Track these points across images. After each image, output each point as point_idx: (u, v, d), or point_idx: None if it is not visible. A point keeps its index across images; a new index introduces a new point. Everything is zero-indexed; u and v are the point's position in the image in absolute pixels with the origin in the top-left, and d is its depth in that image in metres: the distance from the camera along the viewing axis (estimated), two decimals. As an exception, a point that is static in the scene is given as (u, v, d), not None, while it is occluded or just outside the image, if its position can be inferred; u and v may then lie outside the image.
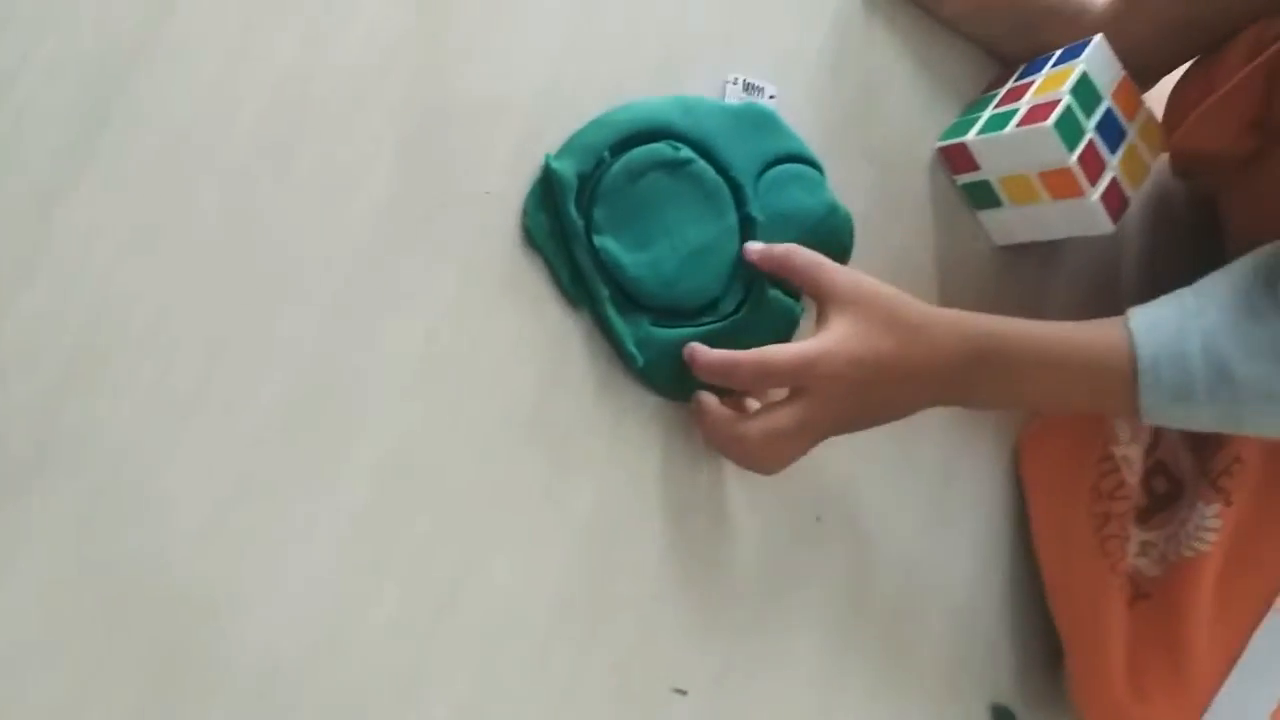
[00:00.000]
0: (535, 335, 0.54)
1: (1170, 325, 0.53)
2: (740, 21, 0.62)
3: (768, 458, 0.54)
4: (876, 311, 0.53)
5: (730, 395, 0.57)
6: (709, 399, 0.55)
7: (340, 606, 0.48)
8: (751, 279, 0.58)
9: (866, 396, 0.53)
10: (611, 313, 0.55)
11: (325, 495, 0.48)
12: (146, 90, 0.46)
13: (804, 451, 0.54)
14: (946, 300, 0.67)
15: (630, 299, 0.56)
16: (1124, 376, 0.53)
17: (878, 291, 0.54)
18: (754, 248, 0.57)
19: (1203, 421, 0.53)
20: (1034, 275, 0.71)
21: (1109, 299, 0.73)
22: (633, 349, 0.55)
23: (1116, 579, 0.66)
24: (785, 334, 0.59)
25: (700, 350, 0.55)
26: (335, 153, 0.50)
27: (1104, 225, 0.62)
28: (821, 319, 0.54)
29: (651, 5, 0.59)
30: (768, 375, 0.53)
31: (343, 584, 0.48)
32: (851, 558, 0.62)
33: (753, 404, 0.57)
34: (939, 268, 0.68)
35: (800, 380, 0.52)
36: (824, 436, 0.54)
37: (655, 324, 0.56)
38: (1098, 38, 0.63)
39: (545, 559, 0.53)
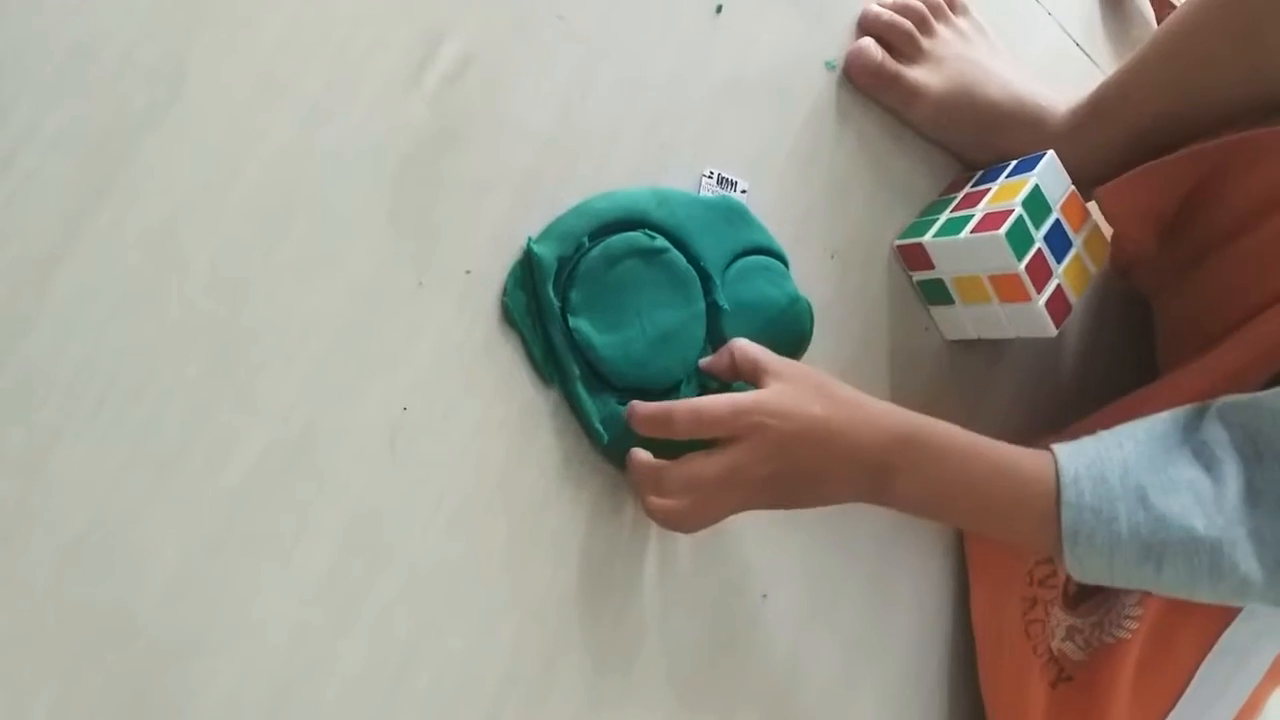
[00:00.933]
0: (506, 410, 0.56)
1: (1090, 452, 0.54)
2: (718, 120, 0.65)
3: (689, 510, 0.54)
4: (809, 381, 0.55)
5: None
6: (641, 451, 0.56)
7: (302, 662, 0.49)
8: (714, 366, 0.61)
9: (793, 460, 0.53)
10: (581, 390, 0.57)
11: (294, 554, 0.49)
12: (149, 162, 0.47)
13: (724, 510, 0.55)
14: (898, 387, 0.71)
15: (600, 378, 0.58)
16: (1047, 492, 0.53)
17: (812, 370, 0.57)
18: (703, 361, 0.60)
19: (1124, 558, 0.52)
20: (981, 369, 0.74)
21: (1051, 395, 0.77)
22: (599, 426, 0.57)
23: (1038, 660, 0.68)
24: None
25: (638, 404, 0.56)
26: (324, 227, 0.52)
27: (1048, 329, 0.66)
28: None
29: (635, 100, 0.62)
30: (701, 421, 0.54)
31: (305, 641, 0.49)
32: (794, 635, 0.65)
33: None
34: (893, 357, 0.71)
35: (732, 427, 0.53)
36: (747, 500, 0.55)
37: (621, 403, 0.58)
38: (1050, 154, 0.67)
39: (499, 630, 0.55)
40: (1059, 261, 0.66)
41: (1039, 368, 0.77)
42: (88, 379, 0.46)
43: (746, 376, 0.58)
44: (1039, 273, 0.65)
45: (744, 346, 0.58)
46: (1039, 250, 0.65)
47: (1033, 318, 0.66)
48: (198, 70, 0.49)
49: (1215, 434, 0.54)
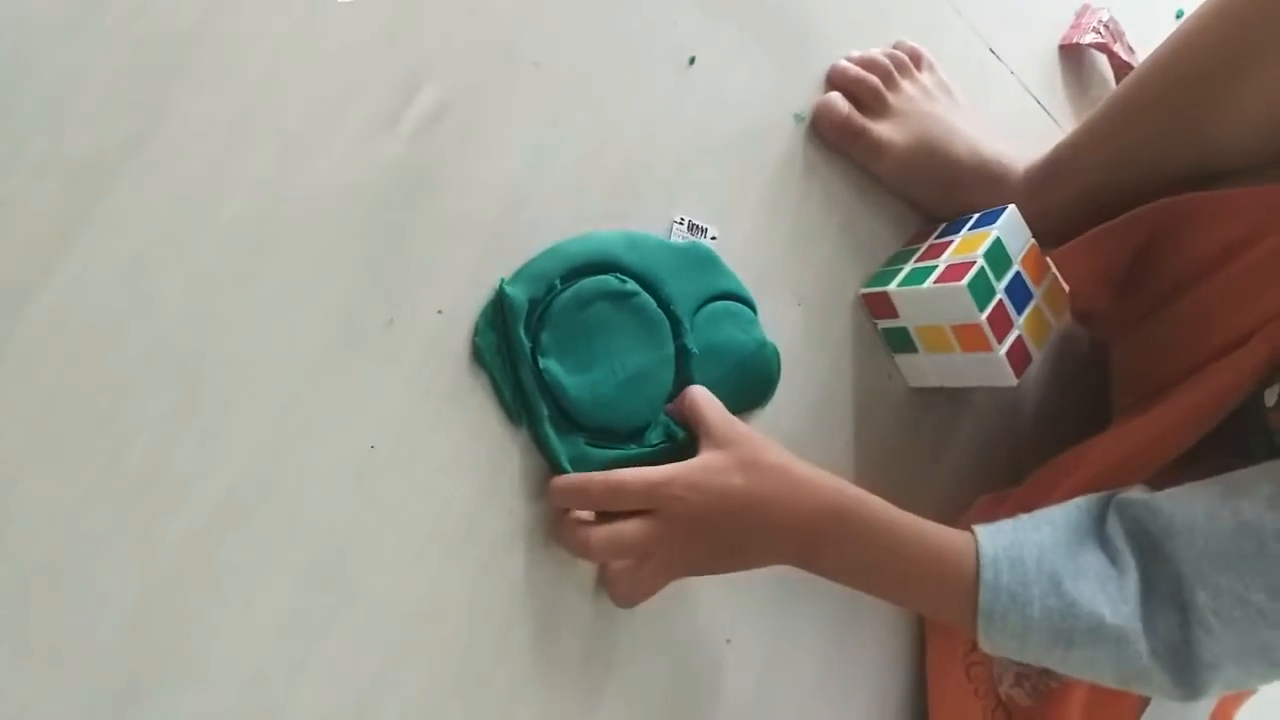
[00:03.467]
0: (474, 449, 0.56)
1: (1009, 534, 0.56)
2: (689, 168, 0.66)
3: (616, 578, 0.56)
4: (736, 451, 0.56)
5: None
6: (568, 518, 0.57)
7: (261, 702, 0.49)
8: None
9: (711, 531, 0.54)
10: (549, 430, 0.58)
11: (255, 592, 0.49)
12: (126, 195, 0.48)
13: (651, 578, 0.56)
14: (861, 432, 0.72)
15: (568, 418, 0.58)
16: (967, 572, 0.54)
17: (747, 436, 0.57)
18: (668, 406, 0.61)
19: (1035, 640, 0.53)
20: (943, 416, 0.76)
21: (1011, 443, 0.79)
22: (567, 466, 0.57)
23: (979, 702, 0.69)
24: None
25: (556, 479, 0.57)
26: (298, 262, 0.52)
27: (1008, 379, 0.67)
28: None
29: (609, 147, 0.63)
30: (618, 494, 0.54)
31: (265, 680, 0.49)
32: (756, 680, 0.65)
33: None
34: (857, 403, 0.72)
35: (648, 500, 0.54)
36: (670, 567, 0.56)
37: (590, 443, 0.59)
38: (1011, 208, 0.69)
39: (462, 671, 0.54)
40: (1019, 313, 0.67)
41: (1000, 417, 0.78)
42: (54, 410, 0.45)
43: (690, 425, 0.59)
44: (1000, 323, 0.66)
45: (693, 401, 0.59)
46: (1000, 301, 0.66)
47: (994, 367, 0.67)
48: (178, 105, 0.50)
49: (1114, 525, 0.56)
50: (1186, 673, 0.52)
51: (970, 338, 0.67)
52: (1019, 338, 0.67)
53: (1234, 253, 0.61)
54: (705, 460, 0.55)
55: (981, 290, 0.66)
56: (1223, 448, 0.61)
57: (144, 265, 0.48)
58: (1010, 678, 0.69)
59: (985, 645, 0.55)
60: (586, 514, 0.57)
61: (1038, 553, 0.54)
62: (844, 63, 0.74)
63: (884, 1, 0.78)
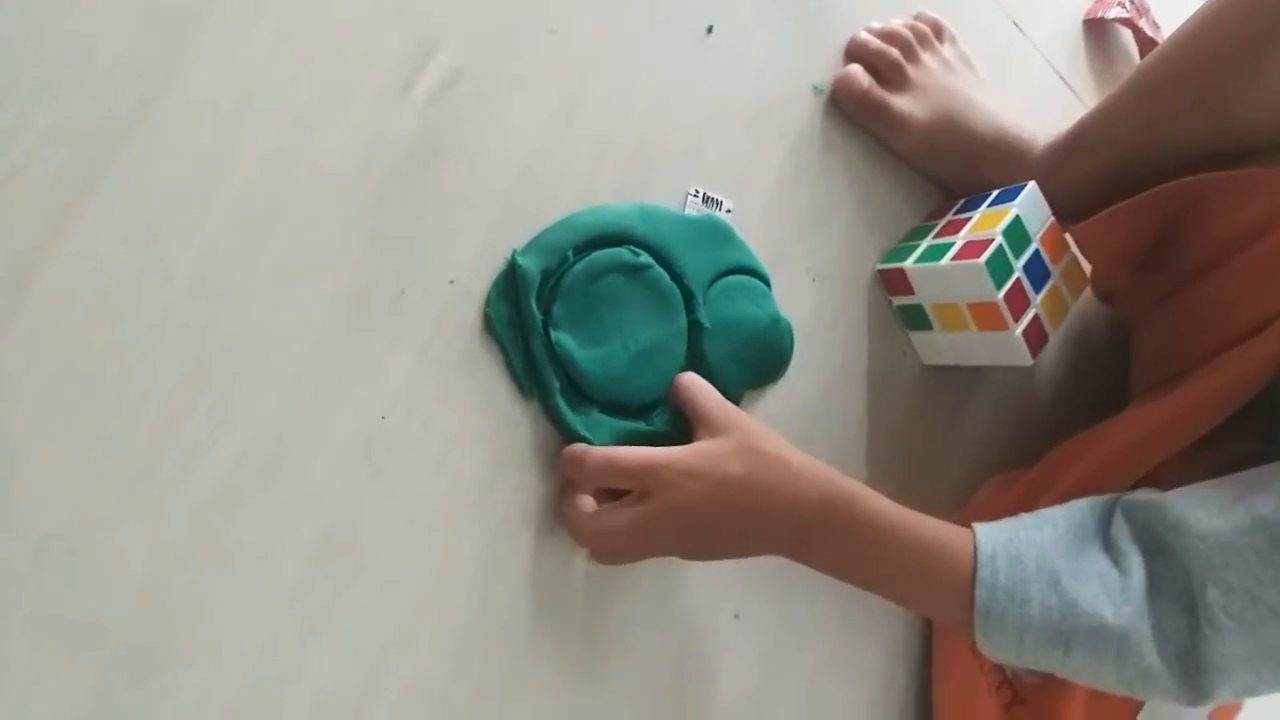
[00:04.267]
0: (484, 421, 0.56)
1: (1009, 532, 0.55)
2: (705, 140, 0.65)
3: (600, 549, 0.56)
4: (734, 437, 0.55)
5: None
6: (571, 497, 0.57)
7: (270, 674, 0.49)
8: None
9: (704, 520, 0.54)
10: (561, 403, 0.57)
11: (265, 564, 0.49)
12: (135, 164, 0.47)
13: (639, 556, 0.56)
14: (875, 409, 0.71)
15: (579, 391, 0.58)
16: (964, 568, 0.53)
17: (745, 424, 0.56)
18: (668, 391, 0.60)
19: (1034, 641, 0.52)
20: (958, 395, 0.75)
21: (1026, 424, 0.78)
22: (585, 433, 0.57)
23: (984, 679, 0.68)
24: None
25: (569, 445, 0.57)
26: (309, 232, 0.52)
27: (1024, 358, 0.67)
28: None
29: (623, 117, 0.62)
30: (613, 471, 0.54)
31: (274, 652, 0.49)
32: (764, 655, 0.65)
33: None
34: (870, 379, 0.71)
35: (643, 483, 0.54)
36: (660, 549, 0.55)
37: (603, 413, 0.58)
38: (1031, 184, 0.68)
39: (470, 644, 0.54)
40: (1037, 292, 0.67)
41: (1015, 396, 0.78)
42: (65, 381, 0.45)
43: (685, 412, 0.59)
44: (1017, 302, 0.66)
45: (688, 388, 0.59)
46: (1018, 280, 0.66)
47: (1010, 346, 0.66)
48: (187, 74, 0.49)
49: (1120, 528, 0.55)
50: (1194, 675, 0.51)
51: (987, 316, 0.66)
52: (1036, 317, 0.66)
53: (1256, 234, 0.60)
54: (703, 447, 0.55)
55: (999, 268, 0.65)
56: (1242, 432, 0.60)
57: (154, 235, 0.48)
58: None
59: (983, 646, 0.54)
60: (588, 497, 0.56)
61: (1038, 551, 0.53)
62: (864, 34, 0.73)
63: (906, -29, 0.77)
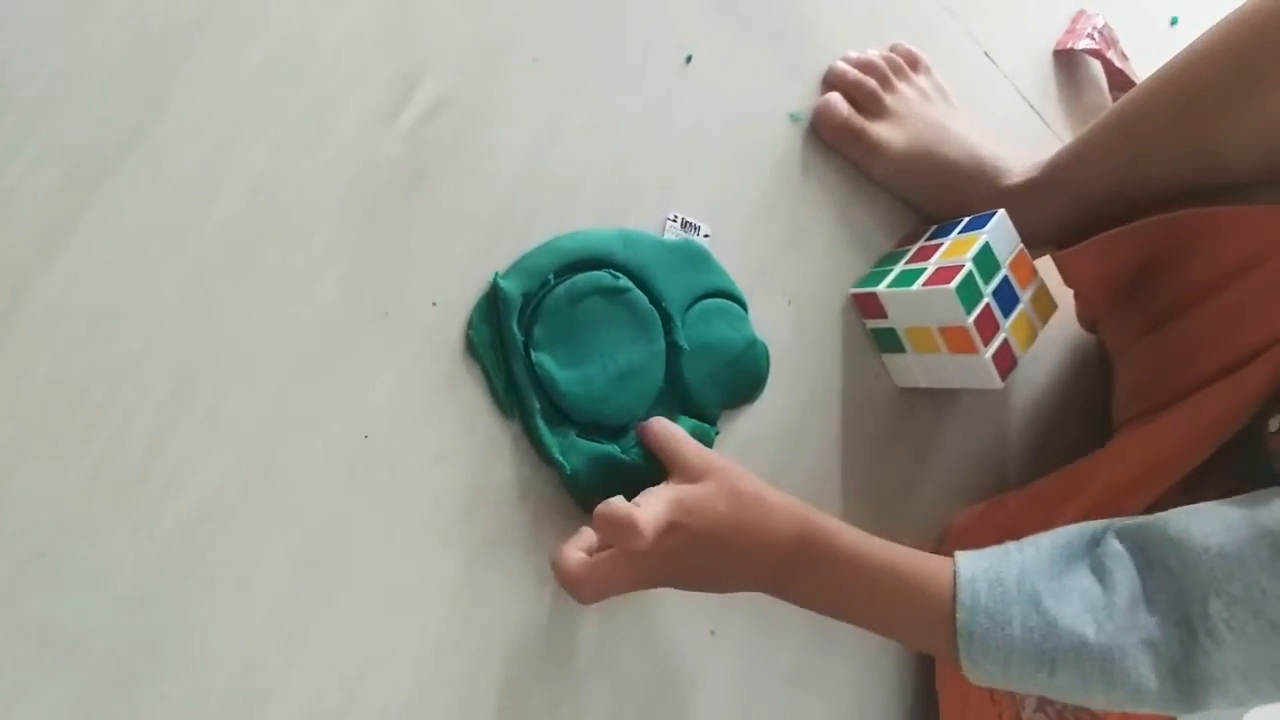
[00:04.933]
0: (466, 441, 0.57)
1: (990, 556, 0.55)
2: (684, 166, 0.67)
3: (596, 597, 0.53)
4: (718, 480, 0.55)
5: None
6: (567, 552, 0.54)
7: (253, 687, 0.50)
8: (669, 405, 0.63)
9: (690, 563, 0.55)
10: (541, 424, 0.58)
11: (249, 577, 0.50)
12: (126, 185, 0.48)
13: (618, 590, 0.54)
14: (849, 431, 0.72)
15: (559, 412, 0.59)
16: (944, 594, 0.54)
17: (722, 465, 0.57)
18: (638, 425, 0.61)
19: (1018, 662, 0.52)
20: (931, 418, 0.76)
21: (999, 448, 0.80)
22: (560, 458, 0.58)
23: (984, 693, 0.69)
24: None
25: (609, 506, 0.51)
26: (295, 253, 0.53)
27: (993, 381, 0.68)
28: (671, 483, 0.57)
29: (604, 144, 0.64)
30: (605, 522, 0.50)
31: (257, 666, 0.50)
32: (742, 671, 0.66)
33: None
34: (845, 401, 0.73)
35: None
36: (644, 585, 0.55)
37: (581, 435, 0.60)
38: (1000, 212, 0.69)
39: (450, 662, 0.55)
40: (1006, 316, 0.68)
41: (988, 420, 0.79)
42: (52, 398, 0.46)
43: (661, 459, 0.59)
44: (987, 326, 0.67)
45: (661, 434, 0.59)
46: (987, 305, 0.67)
47: (979, 369, 0.68)
48: (178, 96, 0.50)
49: (1110, 547, 0.55)
50: (1187, 688, 0.51)
51: (957, 340, 0.68)
52: (1005, 341, 0.68)
53: (1240, 271, 0.61)
54: (690, 496, 0.54)
55: (969, 293, 0.66)
56: (1226, 470, 0.61)
57: (142, 255, 0.49)
58: (1033, 703, 0.68)
59: (969, 672, 0.54)
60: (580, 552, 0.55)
61: (1018, 572, 0.54)
62: (842, 64, 0.74)
63: (880, 4, 0.79)
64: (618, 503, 0.50)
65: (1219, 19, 0.62)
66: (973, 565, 0.55)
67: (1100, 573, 0.54)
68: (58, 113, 0.47)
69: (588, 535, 0.55)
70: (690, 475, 0.56)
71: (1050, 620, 0.52)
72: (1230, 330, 0.62)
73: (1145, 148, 0.68)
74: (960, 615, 0.53)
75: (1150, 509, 0.59)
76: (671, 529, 0.52)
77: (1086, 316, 0.75)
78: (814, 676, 0.70)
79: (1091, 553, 0.56)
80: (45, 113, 0.47)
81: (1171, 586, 0.52)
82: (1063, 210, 0.72)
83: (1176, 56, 0.65)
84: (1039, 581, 0.53)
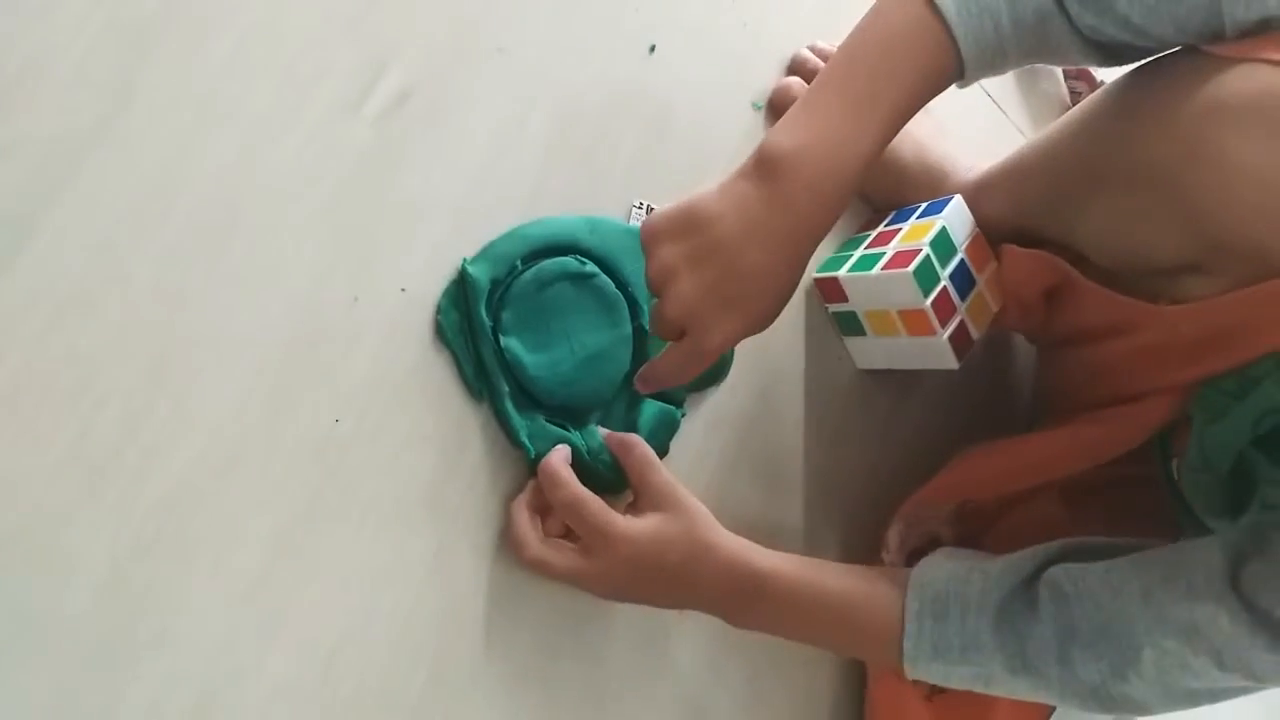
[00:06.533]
0: (436, 424, 0.58)
1: (937, 585, 0.61)
2: (649, 154, 0.68)
3: (533, 570, 0.58)
4: (677, 521, 0.58)
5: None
6: (522, 511, 0.59)
7: (227, 667, 0.50)
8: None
9: (638, 587, 0.59)
10: (509, 407, 0.59)
11: (223, 559, 0.51)
12: (96, 174, 0.49)
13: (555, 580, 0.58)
14: (812, 413, 0.74)
15: (528, 396, 0.61)
16: (891, 630, 0.60)
17: (687, 504, 0.59)
18: (608, 434, 0.62)
19: (958, 678, 0.60)
20: (891, 398, 0.78)
21: (954, 428, 0.81)
22: (526, 441, 0.59)
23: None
24: (665, 438, 0.65)
25: (551, 454, 0.59)
26: (265, 242, 0.53)
27: (950, 362, 0.70)
28: (634, 507, 0.60)
29: (570, 132, 0.65)
30: (573, 515, 0.57)
31: (232, 646, 0.51)
32: (708, 643, 0.68)
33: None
34: (807, 384, 0.75)
35: (592, 541, 0.57)
36: (590, 592, 0.59)
37: (549, 420, 0.61)
38: (957, 198, 0.71)
39: (423, 638, 0.56)
40: (963, 299, 0.70)
41: (946, 401, 0.81)
42: (24, 386, 0.47)
43: (630, 481, 0.61)
44: (944, 309, 0.69)
45: (639, 460, 0.60)
46: (944, 288, 0.69)
47: (937, 351, 0.70)
48: (146, 87, 0.51)
49: (1049, 579, 0.59)
50: (1107, 704, 0.57)
51: (916, 322, 0.69)
52: (961, 322, 0.70)
53: (1111, 335, 0.64)
54: (649, 531, 0.57)
55: (927, 277, 0.68)
56: (1108, 484, 0.70)
57: (112, 244, 0.49)
58: None
59: (910, 676, 0.61)
60: (535, 517, 0.59)
61: (962, 606, 0.59)
62: (805, 51, 0.76)
63: (841, -6, 0.80)
64: (597, 506, 0.56)
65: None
66: (920, 597, 0.60)
67: (1037, 605, 0.59)
68: (26, 104, 0.48)
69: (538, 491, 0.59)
70: (657, 505, 0.59)
71: (989, 651, 0.58)
72: (1115, 376, 0.65)
73: (1026, 204, 0.70)
74: (906, 645, 0.60)
75: (1026, 506, 0.69)
76: (624, 557, 0.56)
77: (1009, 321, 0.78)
78: (772, 670, 0.71)
79: (1033, 583, 0.60)
80: (12, 105, 0.47)
81: (1097, 622, 0.57)
82: (1001, 216, 0.72)
83: (1071, 113, 0.66)
84: (982, 615, 0.59)
